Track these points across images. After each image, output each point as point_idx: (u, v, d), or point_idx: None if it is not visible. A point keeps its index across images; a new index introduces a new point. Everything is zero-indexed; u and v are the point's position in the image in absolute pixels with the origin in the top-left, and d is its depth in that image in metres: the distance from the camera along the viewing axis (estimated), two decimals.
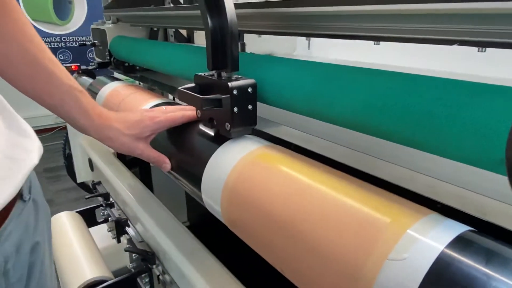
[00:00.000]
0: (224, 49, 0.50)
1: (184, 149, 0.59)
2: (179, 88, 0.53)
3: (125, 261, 0.90)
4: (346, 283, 0.32)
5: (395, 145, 0.39)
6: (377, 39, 0.50)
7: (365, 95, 0.40)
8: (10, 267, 0.46)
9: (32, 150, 0.51)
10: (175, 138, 0.61)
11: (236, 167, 0.48)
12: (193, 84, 0.55)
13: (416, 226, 0.32)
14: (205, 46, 0.51)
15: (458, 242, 0.30)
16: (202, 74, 0.55)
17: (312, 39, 2.67)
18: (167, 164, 0.59)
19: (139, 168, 1.35)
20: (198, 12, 0.53)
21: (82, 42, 2.10)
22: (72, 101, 0.51)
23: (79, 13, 3.77)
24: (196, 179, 0.53)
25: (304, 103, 0.48)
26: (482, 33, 0.36)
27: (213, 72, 0.53)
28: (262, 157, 0.48)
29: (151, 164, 1.46)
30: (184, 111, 0.59)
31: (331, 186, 0.39)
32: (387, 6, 0.39)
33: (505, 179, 0.27)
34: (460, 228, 0.31)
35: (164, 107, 0.61)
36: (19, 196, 0.49)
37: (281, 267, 0.41)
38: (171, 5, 1.12)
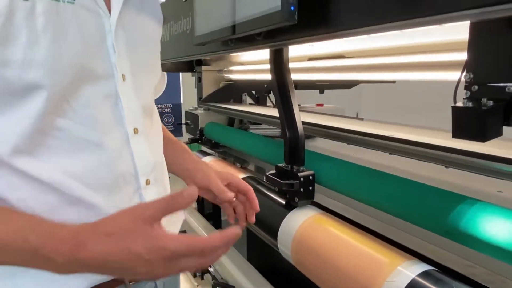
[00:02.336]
0: (296, 151, 0.84)
1: (266, 211, 0.90)
2: (267, 174, 0.87)
3: None
4: None
5: (396, 219, 0.68)
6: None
7: (377, 189, 0.70)
8: None
9: None
10: (259, 203, 0.93)
11: (301, 226, 0.79)
12: (274, 171, 0.89)
13: (402, 265, 0.60)
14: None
15: (424, 274, 0.57)
16: (281, 165, 0.88)
17: (360, 112, 2.99)
18: (230, 195, 0.72)
19: (213, 220, 1.69)
20: (264, 111, 0.88)
21: (178, 123, 2.62)
22: (190, 157, 0.80)
23: (162, 86, 4.46)
24: (273, 233, 0.85)
25: (343, 188, 0.79)
26: None
27: (288, 165, 0.86)
28: (318, 220, 0.78)
29: (221, 219, 1.80)
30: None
31: (359, 240, 0.68)
32: None
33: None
34: (426, 267, 0.59)
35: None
36: None
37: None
38: (248, 102, 1.52)
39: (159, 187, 0.63)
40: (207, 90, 1.70)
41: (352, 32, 0.54)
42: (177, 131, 3.54)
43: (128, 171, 0.56)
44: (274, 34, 0.69)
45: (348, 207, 0.88)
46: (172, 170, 0.79)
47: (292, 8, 0.60)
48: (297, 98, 0.85)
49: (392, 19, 0.47)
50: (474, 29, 0.42)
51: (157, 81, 0.68)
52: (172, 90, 4.02)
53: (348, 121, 1.01)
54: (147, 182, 0.59)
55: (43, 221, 0.43)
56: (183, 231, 1.56)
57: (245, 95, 1.78)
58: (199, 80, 1.69)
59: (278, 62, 0.80)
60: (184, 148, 0.81)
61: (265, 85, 1.59)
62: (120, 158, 0.54)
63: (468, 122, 0.41)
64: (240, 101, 1.77)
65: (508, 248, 0.48)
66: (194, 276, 1.51)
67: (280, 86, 0.82)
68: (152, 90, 0.65)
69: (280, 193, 0.90)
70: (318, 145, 1.00)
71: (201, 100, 1.63)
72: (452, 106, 0.43)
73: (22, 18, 0.43)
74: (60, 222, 0.43)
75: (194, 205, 1.78)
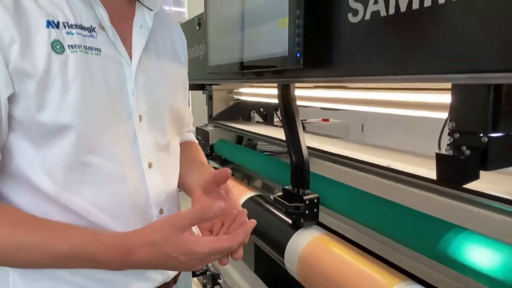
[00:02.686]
0: (301, 176, 0.90)
1: (274, 229, 0.97)
2: (275, 196, 0.93)
3: None
4: None
5: (394, 242, 0.74)
6: None
7: (375, 213, 0.76)
8: None
9: None
10: (267, 222, 1.00)
11: (306, 246, 0.85)
12: (281, 193, 0.96)
13: (398, 285, 0.66)
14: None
15: None
16: (288, 187, 0.94)
17: (366, 124, 3.05)
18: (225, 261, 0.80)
19: None
20: (270, 131, 0.95)
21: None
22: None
23: (190, 120, 4.57)
24: (281, 251, 0.91)
25: (344, 211, 0.86)
26: None
27: (295, 188, 0.92)
28: (322, 240, 0.85)
29: None
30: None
31: (359, 260, 0.74)
32: None
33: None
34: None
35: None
36: None
37: None
38: (256, 119, 1.59)
39: None
40: (217, 108, 1.78)
41: (350, 79, 0.62)
42: None
43: (143, 202, 0.63)
44: (281, 72, 0.77)
45: (350, 227, 0.94)
46: (190, 187, 0.82)
47: (298, 55, 0.67)
48: (303, 113, 0.92)
49: (384, 72, 0.54)
50: (455, 88, 0.49)
51: (180, 116, 0.75)
52: None
53: (350, 146, 1.08)
54: (161, 212, 0.67)
55: (98, 232, 0.52)
56: None
57: (253, 112, 1.86)
58: (210, 98, 1.77)
59: (286, 96, 0.87)
60: (210, 170, 0.86)
61: (273, 104, 1.66)
62: (137, 190, 0.62)
63: (449, 169, 0.48)
64: (248, 118, 1.84)
65: (489, 273, 0.54)
66: (204, 287, 1.58)
67: (288, 117, 0.89)
68: (172, 126, 0.72)
69: (287, 213, 0.96)
70: (323, 166, 1.06)
71: (211, 118, 1.71)
72: (436, 153, 0.50)
73: (57, 70, 0.51)
74: (111, 232, 0.51)
75: None
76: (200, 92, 1.93)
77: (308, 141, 1.10)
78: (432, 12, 0.46)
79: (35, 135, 0.52)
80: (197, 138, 1.87)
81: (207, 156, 1.73)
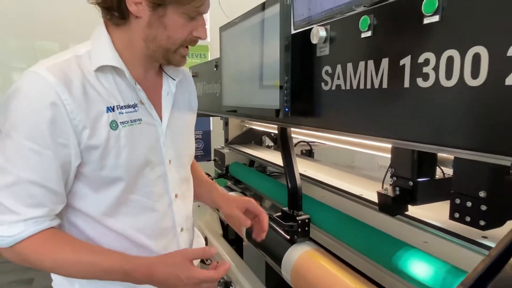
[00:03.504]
0: (295, 199, 1.10)
1: (274, 243, 1.16)
2: (274, 215, 1.13)
3: None
4: None
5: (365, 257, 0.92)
6: None
7: (350, 232, 0.95)
8: None
9: None
10: (269, 235, 1.19)
11: (299, 257, 1.04)
12: (280, 213, 1.15)
13: None
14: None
15: None
16: (285, 209, 1.14)
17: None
18: (247, 222, 0.95)
19: (236, 245, 1.95)
20: (276, 158, 1.14)
21: (208, 159, 2.99)
22: (217, 188, 1.08)
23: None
24: (279, 261, 1.10)
25: (331, 229, 1.04)
26: None
27: (290, 210, 1.12)
28: (311, 255, 1.03)
29: (243, 243, 2.06)
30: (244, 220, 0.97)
31: (340, 272, 0.92)
32: None
33: None
34: None
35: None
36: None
37: None
38: (267, 142, 1.79)
39: (189, 232, 0.93)
40: (232, 132, 2.00)
41: (323, 130, 0.81)
42: (206, 155, 3.90)
43: (170, 224, 0.85)
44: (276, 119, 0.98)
45: (335, 242, 1.12)
46: (204, 201, 1.10)
47: (287, 109, 0.88)
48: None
49: (343, 129, 0.74)
50: (393, 147, 0.68)
51: (192, 154, 0.96)
52: (202, 119, 4.39)
53: (339, 174, 1.27)
54: (181, 230, 0.88)
55: (129, 256, 0.72)
56: None
57: (264, 136, 2.07)
58: (226, 124, 1.99)
59: (284, 136, 1.08)
60: (213, 186, 1.08)
61: None
62: (166, 216, 0.83)
63: (384, 203, 0.67)
64: (260, 142, 2.05)
65: (429, 284, 0.72)
66: None
67: (285, 152, 1.09)
68: (189, 163, 0.94)
69: (285, 231, 1.15)
70: (315, 191, 1.25)
71: (227, 142, 1.93)
72: (377, 191, 0.69)
73: (113, 142, 0.73)
74: (139, 256, 0.72)
75: (220, 231, 2.06)
76: (219, 118, 2.16)
77: (304, 168, 1.30)
78: (373, 92, 0.65)
79: (95, 185, 0.74)
80: (215, 159, 2.10)
81: (222, 175, 1.95)
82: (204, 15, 0.79)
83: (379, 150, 1.04)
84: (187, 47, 0.78)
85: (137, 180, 0.78)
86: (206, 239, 1.95)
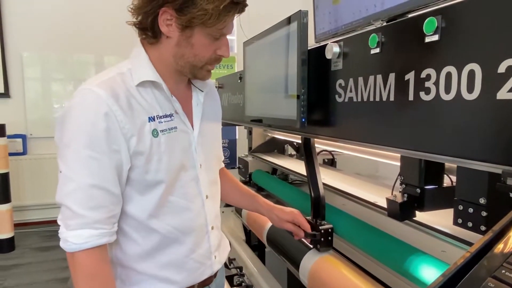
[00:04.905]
0: (318, 209, 1.14)
1: (296, 247, 1.21)
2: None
3: None
4: None
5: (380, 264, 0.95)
6: None
7: (370, 239, 0.98)
8: None
9: None
10: (290, 241, 1.24)
11: (316, 261, 1.08)
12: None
13: None
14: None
15: None
16: (308, 218, 1.17)
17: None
18: (301, 233, 1.07)
19: (258, 251, 2.00)
20: (298, 167, 1.19)
21: (232, 167, 3.09)
22: (259, 201, 1.14)
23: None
24: (297, 264, 1.15)
25: (351, 237, 1.08)
26: None
27: (313, 219, 1.16)
28: (327, 259, 1.07)
29: (265, 250, 2.10)
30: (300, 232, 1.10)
31: (355, 276, 0.96)
32: None
33: None
34: None
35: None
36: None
37: None
38: (289, 151, 1.85)
39: (218, 231, 0.99)
40: (256, 141, 2.07)
41: (339, 140, 0.86)
42: (232, 163, 4.01)
43: (203, 223, 0.92)
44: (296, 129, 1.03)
45: (357, 251, 1.15)
46: (250, 209, 1.19)
47: (303, 120, 0.93)
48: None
49: (356, 138, 0.78)
50: (402, 156, 0.72)
51: (220, 159, 1.04)
52: (229, 128, 4.50)
53: (359, 183, 1.30)
54: (212, 228, 0.95)
55: None
56: (232, 259, 1.89)
57: (287, 145, 2.12)
58: (250, 133, 2.07)
59: (307, 146, 1.13)
60: (255, 199, 1.15)
61: None
62: (199, 215, 0.91)
63: (392, 209, 0.71)
64: (283, 151, 2.11)
65: None
66: None
67: (309, 162, 1.14)
68: (216, 167, 1.01)
69: (309, 239, 1.19)
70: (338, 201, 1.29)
71: (251, 151, 2.00)
72: (386, 198, 0.73)
73: (155, 148, 0.81)
74: None
75: (243, 236, 2.12)
76: (243, 127, 2.23)
77: (324, 176, 1.34)
78: (381, 104, 0.70)
79: (141, 188, 0.83)
80: (239, 167, 2.18)
81: (246, 182, 2.01)
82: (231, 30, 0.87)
83: (397, 160, 1.07)
84: (212, 64, 0.86)
85: (175, 182, 0.86)
86: (229, 244, 2.01)
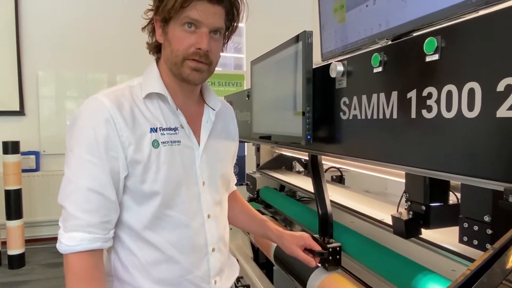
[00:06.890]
0: (326, 227, 1.13)
1: (304, 265, 1.20)
2: None
3: None
4: None
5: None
6: None
7: (385, 258, 0.97)
8: None
9: None
10: (298, 262, 1.23)
11: (324, 279, 1.07)
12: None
13: None
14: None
15: None
16: (316, 236, 1.17)
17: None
18: (312, 263, 1.04)
19: (266, 269, 1.98)
20: (305, 183, 1.19)
21: (241, 183, 3.09)
22: (269, 227, 1.14)
23: (233, 183, 5.02)
24: (304, 282, 1.13)
25: (359, 256, 1.07)
26: None
27: (321, 237, 1.15)
28: (336, 277, 1.06)
29: (273, 268, 2.08)
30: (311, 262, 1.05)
31: None
32: None
33: None
34: None
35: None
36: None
37: None
38: (297, 168, 1.85)
39: (221, 254, 0.96)
40: (263, 158, 2.08)
41: (343, 157, 0.87)
42: (240, 179, 4.00)
43: (202, 242, 0.91)
44: (301, 146, 1.04)
45: (359, 266, 1.14)
46: (260, 235, 1.19)
47: (309, 137, 0.94)
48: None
49: (360, 155, 0.79)
50: (406, 173, 0.72)
51: (227, 180, 1.03)
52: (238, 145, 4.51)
53: (366, 201, 1.29)
54: (213, 250, 0.94)
55: None
56: (240, 277, 1.88)
57: (294, 162, 2.12)
58: (258, 150, 2.08)
59: (314, 163, 1.13)
60: (266, 225, 1.14)
61: None
62: (198, 234, 0.90)
63: (398, 226, 0.70)
64: (290, 167, 2.11)
65: None
66: None
67: (316, 180, 1.14)
68: (223, 188, 1.00)
69: (318, 256, 1.18)
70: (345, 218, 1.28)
71: (258, 167, 2.00)
72: (391, 215, 0.73)
73: (154, 158, 0.83)
74: None
75: (251, 254, 2.10)
76: (251, 143, 2.25)
77: (331, 193, 1.34)
78: (385, 122, 0.71)
79: (138, 197, 0.84)
80: (247, 184, 2.18)
81: (253, 199, 2.01)
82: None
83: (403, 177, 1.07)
84: (194, 60, 0.83)
85: (174, 197, 0.86)
86: (237, 261, 1.99)
